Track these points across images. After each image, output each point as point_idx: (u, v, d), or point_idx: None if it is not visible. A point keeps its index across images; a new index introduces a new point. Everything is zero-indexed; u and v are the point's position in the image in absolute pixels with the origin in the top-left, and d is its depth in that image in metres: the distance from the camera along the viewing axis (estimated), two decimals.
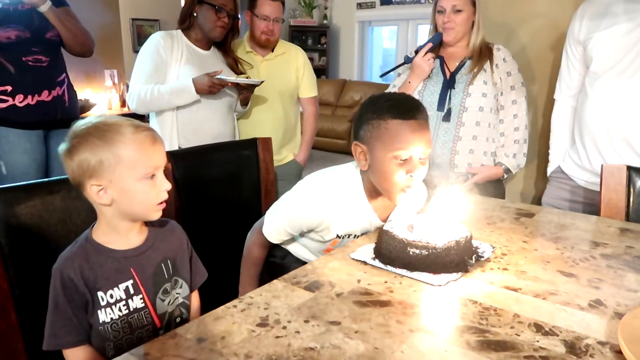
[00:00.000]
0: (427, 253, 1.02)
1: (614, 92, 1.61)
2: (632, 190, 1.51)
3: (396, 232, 1.07)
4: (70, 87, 2.17)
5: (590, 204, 1.72)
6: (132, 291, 0.99)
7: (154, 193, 0.96)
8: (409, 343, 0.77)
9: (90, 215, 1.19)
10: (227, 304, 0.89)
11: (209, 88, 1.90)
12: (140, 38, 6.08)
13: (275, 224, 1.28)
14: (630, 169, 1.52)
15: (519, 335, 0.80)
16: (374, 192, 1.22)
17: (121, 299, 0.97)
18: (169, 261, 1.05)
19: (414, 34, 7.36)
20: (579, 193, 1.79)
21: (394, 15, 7.33)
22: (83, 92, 4.55)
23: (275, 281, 0.99)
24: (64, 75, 2.13)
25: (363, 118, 1.18)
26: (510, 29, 2.24)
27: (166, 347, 0.76)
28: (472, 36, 1.83)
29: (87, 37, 2.16)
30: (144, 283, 1.00)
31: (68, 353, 0.96)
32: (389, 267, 1.04)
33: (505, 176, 1.89)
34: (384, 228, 1.10)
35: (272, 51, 2.25)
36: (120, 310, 0.97)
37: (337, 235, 1.26)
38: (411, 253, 1.03)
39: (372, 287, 0.97)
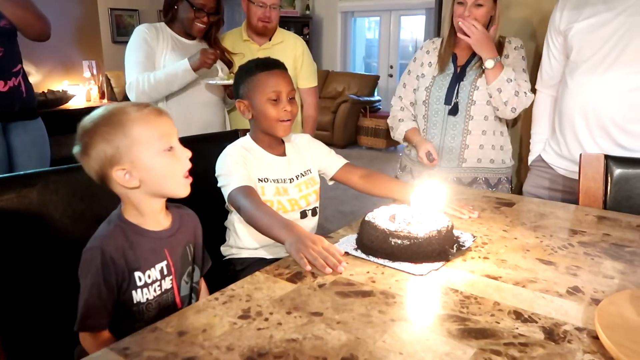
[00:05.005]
0: (408, 243, 1.02)
1: (593, 82, 1.63)
2: (609, 179, 1.53)
3: (378, 223, 1.07)
4: (25, 78, 2.09)
5: (570, 192, 1.75)
6: (165, 272, 1.01)
7: (177, 164, 0.98)
8: (391, 332, 0.78)
9: (67, 209, 1.18)
10: (209, 297, 0.89)
11: (202, 57, 1.87)
12: (119, 28, 5.97)
13: (229, 175, 1.32)
14: (608, 157, 1.55)
15: (499, 323, 0.81)
16: (261, 136, 1.44)
17: (157, 280, 0.99)
18: (190, 245, 1.08)
19: (397, 24, 7.37)
20: (558, 182, 1.81)
21: (377, 5, 7.33)
22: (60, 83, 4.46)
23: (257, 273, 0.99)
24: (19, 66, 2.05)
25: (240, 80, 1.43)
26: None
27: (146, 341, 0.75)
28: (491, 32, 1.78)
29: (38, 19, 2.02)
30: (175, 265, 1.02)
31: (91, 337, 0.94)
32: (371, 258, 1.05)
33: (494, 62, 1.73)
34: (366, 218, 1.11)
35: (270, 40, 2.21)
36: (155, 290, 0.99)
37: (259, 179, 1.38)
38: (393, 243, 1.03)
39: (354, 278, 0.97)
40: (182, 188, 1.00)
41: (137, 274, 0.96)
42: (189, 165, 1.00)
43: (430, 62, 1.93)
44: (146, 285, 0.98)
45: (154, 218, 1.01)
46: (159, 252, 1.00)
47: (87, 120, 0.95)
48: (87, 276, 0.92)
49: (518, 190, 2.24)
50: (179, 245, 1.04)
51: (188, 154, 1.00)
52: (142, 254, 0.97)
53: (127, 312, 0.96)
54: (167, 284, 1.01)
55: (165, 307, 1.01)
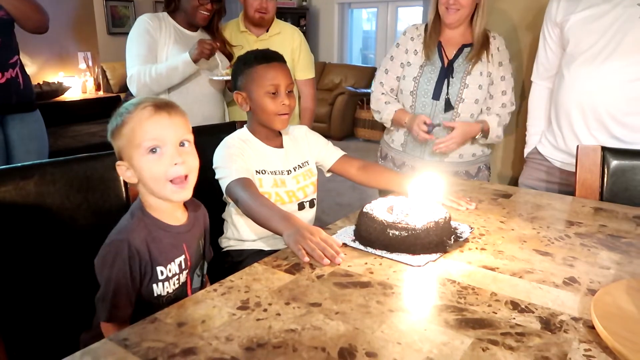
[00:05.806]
0: (406, 234, 1.03)
1: (590, 75, 1.63)
2: (606, 170, 1.54)
3: (376, 214, 1.07)
4: (22, 69, 2.07)
5: (566, 184, 1.75)
6: (183, 266, 1.01)
7: (160, 168, 0.94)
8: (389, 323, 0.78)
9: (65, 201, 1.18)
10: (207, 288, 0.89)
11: (200, 47, 1.86)
12: (114, 19, 5.93)
13: (226, 167, 1.31)
14: (604, 149, 1.55)
15: (496, 313, 0.81)
16: (258, 128, 1.43)
17: (176, 274, 1.00)
18: (202, 239, 1.09)
19: (394, 16, 7.33)
20: (554, 174, 1.82)
21: None
22: (56, 75, 4.43)
23: (255, 264, 0.99)
24: (16, 57, 2.04)
25: (238, 71, 1.42)
26: (488, 8, 2.23)
27: (146, 332, 0.75)
28: (478, 20, 1.78)
29: (36, 10, 2.01)
30: (191, 259, 1.03)
31: (115, 328, 0.93)
32: (369, 249, 1.05)
33: (480, 135, 1.83)
34: (364, 210, 1.11)
35: (267, 31, 2.21)
36: (174, 284, 1.00)
37: (256, 171, 1.38)
38: (391, 234, 1.03)
39: (353, 269, 0.97)
40: (168, 193, 0.95)
41: (159, 268, 0.97)
42: (176, 172, 0.94)
43: (415, 50, 1.88)
44: (167, 279, 0.98)
45: (171, 214, 1.01)
46: (179, 247, 1.00)
47: (118, 109, 0.97)
48: (112, 268, 0.92)
49: (514, 183, 2.25)
50: (194, 240, 1.05)
51: (177, 160, 0.94)
52: (164, 248, 0.97)
53: (146, 304, 0.97)
54: (183, 277, 1.02)
55: (179, 299, 1.02)
